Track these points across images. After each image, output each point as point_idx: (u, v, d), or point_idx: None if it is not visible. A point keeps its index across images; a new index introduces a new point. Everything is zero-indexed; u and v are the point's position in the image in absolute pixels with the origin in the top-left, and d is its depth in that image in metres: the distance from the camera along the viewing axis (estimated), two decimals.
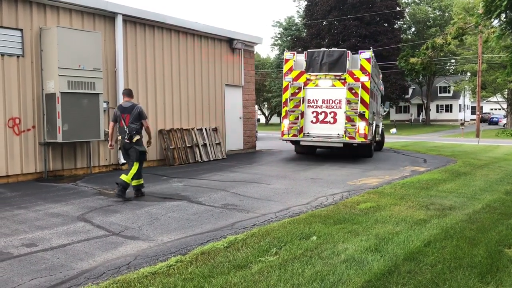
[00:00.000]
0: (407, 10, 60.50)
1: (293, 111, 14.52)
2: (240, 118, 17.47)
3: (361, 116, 13.86)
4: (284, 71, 15.09)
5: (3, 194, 8.97)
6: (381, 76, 19.13)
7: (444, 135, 42.92)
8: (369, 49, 14.35)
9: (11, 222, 6.77)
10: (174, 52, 14.35)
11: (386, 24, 51.52)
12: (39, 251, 5.39)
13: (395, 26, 54.19)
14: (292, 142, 15.51)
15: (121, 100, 12.45)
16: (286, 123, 14.61)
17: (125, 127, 8.51)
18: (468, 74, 59.17)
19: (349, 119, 13.94)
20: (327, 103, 14.44)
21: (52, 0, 10.95)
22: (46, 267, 4.86)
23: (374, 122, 15.94)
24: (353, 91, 13.96)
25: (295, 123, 14.43)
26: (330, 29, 51.15)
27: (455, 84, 62.49)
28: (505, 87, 47.67)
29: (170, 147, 13.84)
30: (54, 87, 10.50)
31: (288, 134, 14.66)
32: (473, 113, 72.00)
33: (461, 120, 60.10)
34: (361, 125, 13.85)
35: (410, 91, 68.66)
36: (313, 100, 14.59)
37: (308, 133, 14.60)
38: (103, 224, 6.64)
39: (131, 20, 12.93)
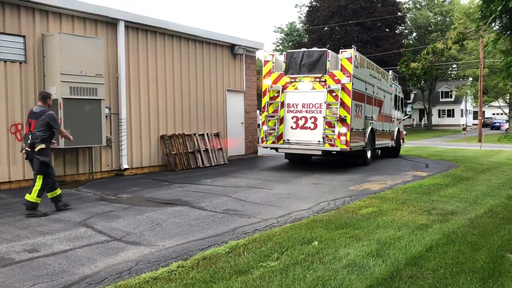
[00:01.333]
0: (408, 15, 60.63)
1: (272, 116, 13.64)
2: (242, 123, 17.49)
3: (342, 121, 12.78)
4: (263, 74, 14.16)
5: (5, 200, 8.99)
6: (390, 76, 18.05)
7: (446, 140, 42.85)
8: (351, 47, 13.16)
9: (13, 227, 6.78)
10: (175, 58, 14.40)
11: (387, 30, 51.61)
12: (40, 256, 5.40)
13: (396, 31, 54.30)
14: (275, 149, 14.41)
15: (123, 105, 12.55)
16: (265, 129, 13.72)
17: (30, 133, 7.67)
18: (470, 79, 59.21)
19: (329, 125, 12.92)
20: (307, 108, 13.41)
21: (55, 7, 11.02)
22: (48, 272, 4.86)
23: (371, 127, 14.79)
24: (334, 94, 12.93)
25: (274, 129, 13.60)
26: (332, 34, 51.24)
27: (457, 89, 62.55)
28: (507, 91, 47.64)
29: (172, 152, 13.85)
30: (56, 93, 10.53)
31: (267, 141, 13.80)
32: (475, 118, 71.87)
33: (463, 125, 60.05)
34: (342, 131, 12.75)
35: (412, 96, 68.66)
36: (292, 104, 13.61)
37: (288, 139, 13.63)
38: (104, 229, 6.64)
39: (133, 26, 12.99)
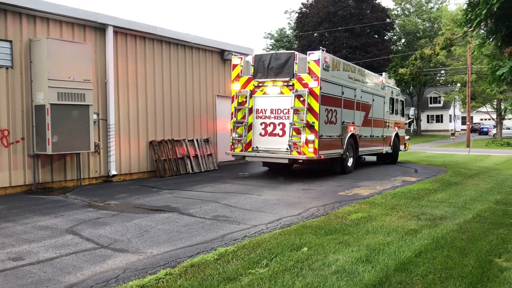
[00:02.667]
0: (397, 21, 61.19)
1: (241, 123, 12.93)
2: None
3: (310, 127, 12.01)
4: (232, 78, 13.49)
5: None
6: (382, 78, 17.16)
7: (435, 145, 43.17)
8: (319, 49, 12.27)
9: None
10: (165, 63, 14.35)
11: (376, 36, 52.07)
12: (25, 265, 5.30)
13: (385, 37, 54.77)
14: (243, 157, 13.93)
15: (112, 111, 12.46)
16: (233, 136, 13.02)
17: None
18: (458, 84, 59.79)
19: (297, 131, 12.15)
20: (275, 113, 12.69)
21: (42, 12, 10.93)
22: (33, 281, 4.77)
23: (351, 133, 13.95)
24: (301, 98, 12.14)
25: (242, 136, 12.88)
26: (321, 40, 51.53)
27: (445, 94, 63.09)
28: (495, 97, 48.19)
29: (161, 158, 13.77)
30: (43, 98, 10.43)
31: (235, 148, 13.07)
32: (463, 123, 72.65)
33: (451, 130, 60.63)
34: (310, 138, 11.98)
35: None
36: (261, 110, 12.90)
37: (256, 147, 12.92)
38: (92, 236, 6.56)
39: (122, 32, 12.93)
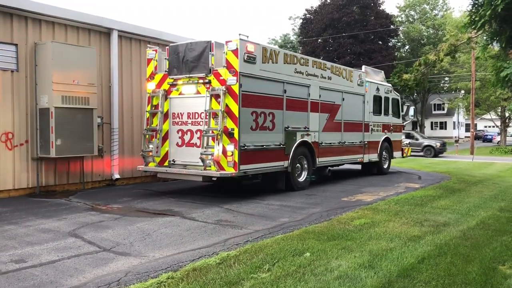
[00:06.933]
0: (401, 28, 61.24)
1: (154, 131, 10.69)
2: None
3: (229, 135, 9.60)
4: (147, 76, 11.24)
5: None
6: (361, 73, 14.66)
7: None
8: (239, 35, 9.65)
9: (0, 238, 6.67)
10: None
11: (380, 42, 52.06)
12: (28, 267, 5.30)
13: (389, 44, 54.77)
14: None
15: (116, 115, 12.49)
16: (143, 148, 10.85)
17: None
18: (462, 91, 59.68)
19: (216, 140, 9.62)
20: (192, 118, 10.40)
21: (48, 16, 11.00)
22: (35, 283, 4.77)
23: (301, 140, 11.52)
24: (219, 99, 9.69)
25: (157, 147, 10.64)
26: (325, 46, 51.59)
27: (449, 101, 62.97)
28: (499, 104, 48.05)
29: None
30: (48, 102, 10.47)
31: (146, 163, 10.72)
32: (467, 130, 72.35)
33: (455, 137, 60.37)
34: (229, 149, 9.55)
35: (405, 108, 68.95)
36: (178, 114, 10.61)
37: (173, 160, 10.60)
38: (94, 240, 6.56)
39: (127, 36, 12.98)
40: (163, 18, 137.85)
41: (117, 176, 12.58)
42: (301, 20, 56.18)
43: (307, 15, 54.36)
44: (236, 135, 9.57)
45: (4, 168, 10.29)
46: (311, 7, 54.24)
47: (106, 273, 5.09)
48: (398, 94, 17.42)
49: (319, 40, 52.06)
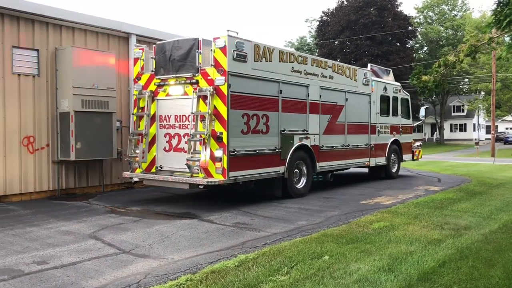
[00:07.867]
0: (419, 29, 60.64)
1: (140, 135, 10.14)
2: None
3: (217, 139, 8.99)
4: (133, 77, 10.70)
5: (16, 212, 9.03)
6: (366, 72, 14.00)
7: (459, 155, 42.35)
8: (227, 33, 9.03)
9: (23, 239, 6.79)
10: None
11: (398, 44, 51.62)
12: (49, 268, 5.39)
13: (407, 45, 54.25)
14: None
15: (131, 119, 12.58)
16: (129, 153, 10.31)
17: None
18: (482, 93, 58.77)
19: (203, 144, 8.99)
20: (180, 121, 9.82)
21: (68, 21, 11.19)
22: (56, 284, 4.84)
23: (298, 144, 10.88)
24: (207, 100, 9.09)
25: (143, 153, 10.06)
26: (342, 48, 51.39)
27: (468, 103, 62.09)
28: None
29: None
30: (68, 106, 10.63)
31: (132, 169, 10.27)
32: (488, 132, 71.18)
33: (475, 139, 59.43)
34: (217, 154, 8.94)
35: (423, 110, 68.22)
36: (165, 117, 10.04)
37: (160, 166, 10.03)
38: (114, 242, 6.62)
39: (145, 40, 13.10)
40: (178, 20, 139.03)
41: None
42: (317, 23, 56.09)
43: (324, 18, 54.23)
44: (225, 139, 8.95)
45: (26, 172, 10.48)
46: (328, 9, 54.13)
47: (125, 275, 5.14)
48: (408, 94, 16.76)
49: (336, 42, 51.88)
